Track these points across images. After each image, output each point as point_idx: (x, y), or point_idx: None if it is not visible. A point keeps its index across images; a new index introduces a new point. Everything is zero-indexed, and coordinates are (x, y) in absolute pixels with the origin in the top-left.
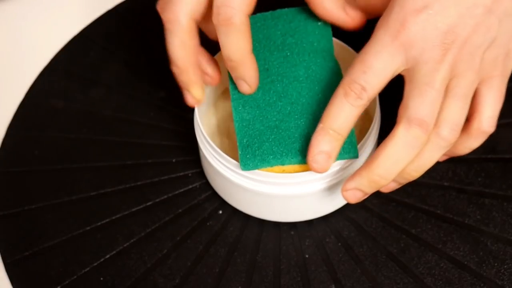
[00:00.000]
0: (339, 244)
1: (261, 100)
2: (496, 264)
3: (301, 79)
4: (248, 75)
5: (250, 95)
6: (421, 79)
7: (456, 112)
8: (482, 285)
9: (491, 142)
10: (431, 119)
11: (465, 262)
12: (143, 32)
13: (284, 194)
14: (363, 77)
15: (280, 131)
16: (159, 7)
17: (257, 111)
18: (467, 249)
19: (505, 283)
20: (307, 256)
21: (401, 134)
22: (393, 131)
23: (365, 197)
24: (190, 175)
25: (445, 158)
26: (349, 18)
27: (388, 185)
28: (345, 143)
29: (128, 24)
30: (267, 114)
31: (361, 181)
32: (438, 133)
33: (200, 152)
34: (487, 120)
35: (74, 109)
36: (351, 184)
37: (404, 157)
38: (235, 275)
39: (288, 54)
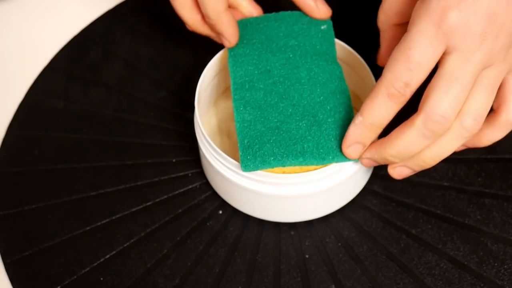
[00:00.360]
0: (339, 244)
1: (262, 101)
2: (496, 264)
3: (303, 81)
4: (226, 32)
5: (251, 96)
6: (451, 71)
7: (482, 102)
8: (482, 285)
9: None
10: (452, 115)
11: (465, 262)
12: (143, 32)
13: (284, 194)
14: (409, 75)
15: (281, 132)
16: None
17: (259, 112)
18: (467, 249)
19: (505, 283)
20: (307, 256)
21: (418, 125)
22: (413, 117)
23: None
24: (190, 175)
25: (463, 148)
26: (316, 8)
27: (403, 172)
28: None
29: (128, 24)
30: (268, 115)
31: (375, 156)
32: (461, 123)
33: (200, 152)
34: None
35: (74, 109)
36: (366, 154)
37: (418, 145)
38: (235, 275)
39: (291, 56)
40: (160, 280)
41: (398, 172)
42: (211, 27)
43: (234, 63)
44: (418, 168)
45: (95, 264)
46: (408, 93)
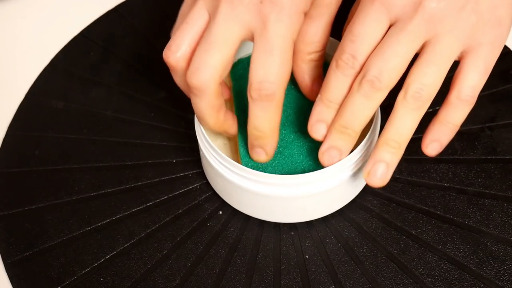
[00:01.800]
0: (339, 244)
1: None
2: (496, 265)
3: (304, 109)
4: (270, 147)
5: None
6: (389, 40)
7: (427, 74)
8: (482, 285)
9: (491, 142)
10: (387, 77)
11: (465, 263)
12: (143, 32)
13: (284, 195)
14: (352, 46)
15: (284, 156)
16: (171, 59)
17: None
18: (467, 249)
19: (505, 284)
20: (307, 256)
21: (356, 87)
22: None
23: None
24: (190, 175)
25: (438, 148)
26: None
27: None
28: None
29: (128, 24)
30: None
31: (330, 135)
32: (405, 94)
33: (201, 152)
34: (466, 89)
35: (74, 109)
36: (326, 140)
37: (363, 109)
38: (235, 275)
39: (292, 86)
40: (160, 281)
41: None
42: (255, 138)
43: (238, 93)
44: (391, 149)
45: (95, 264)
46: (357, 66)
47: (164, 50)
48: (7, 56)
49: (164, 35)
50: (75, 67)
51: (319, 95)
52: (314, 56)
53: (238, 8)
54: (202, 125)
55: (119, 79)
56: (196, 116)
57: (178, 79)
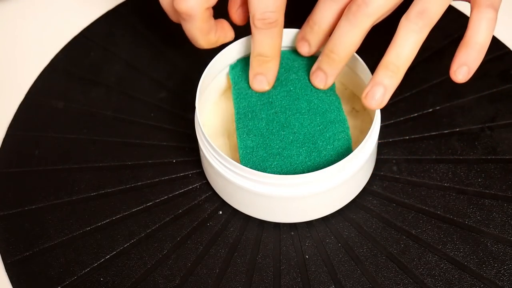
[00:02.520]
0: (339, 244)
1: (265, 129)
2: (496, 265)
3: (303, 111)
4: (273, 72)
5: (254, 125)
6: None
7: None
8: (482, 286)
9: (491, 142)
10: (372, 2)
11: (465, 263)
12: (143, 32)
13: (284, 195)
14: None
15: (283, 158)
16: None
17: (261, 139)
18: (467, 250)
19: (505, 284)
20: (307, 256)
21: (344, 13)
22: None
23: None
24: (190, 175)
25: (467, 62)
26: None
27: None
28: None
29: (128, 24)
30: (270, 142)
31: (321, 61)
32: (408, 15)
33: (201, 152)
34: None
35: (74, 109)
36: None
37: (345, 32)
38: (235, 275)
39: (291, 89)
40: (160, 281)
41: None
42: (260, 63)
43: (237, 95)
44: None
45: (95, 264)
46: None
47: None
48: (7, 56)
49: (164, 35)
50: (75, 67)
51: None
52: None
53: None
54: (195, 45)
55: (119, 79)
56: (188, 38)
57: (165, 4)
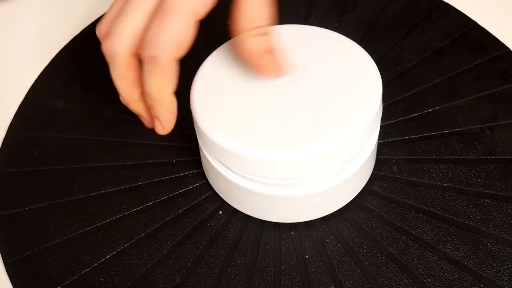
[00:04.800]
0: (339, 244)
1: None
2: (496, 265)
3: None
4: (163, 117)
5: None
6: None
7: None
8: (482, 285)
9: (491, 142)
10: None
11: (465, 263)
12: None
13: (285, 195)
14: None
15: None
16: (99, 33)
17: None
18: (467, 249)
19: (505, 283)
20: (307, 256)
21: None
22: None
23: None
24: (190, 175)
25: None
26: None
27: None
28: None
29: None
30: None
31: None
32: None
33: (201, 152)
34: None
35: (74, 109)
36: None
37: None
38: (235, 275)
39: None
40: (160, 281)
41: None
42: (149, 107)
43: None
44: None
45: (95, 264)
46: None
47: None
48: (7, 56)
49: None
50: (75, 67)
51: None
52: None
53: None
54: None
55: None
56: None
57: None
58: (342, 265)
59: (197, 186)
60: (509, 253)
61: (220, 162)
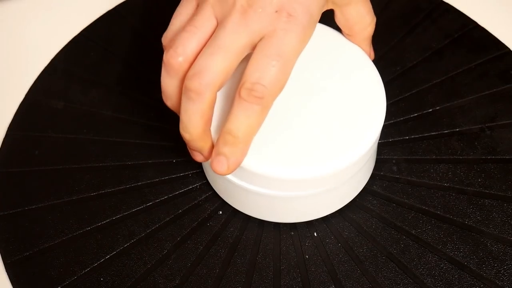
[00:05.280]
0: (339, 244)
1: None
2: (496, 265)
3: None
4: (235, 158)
5: None
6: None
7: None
8: (482, 286)
9: (491, 142)
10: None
11: (465, 263)
12: (143, 32)
13: (285, 195)
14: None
15: None
16: (164, 42)
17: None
18: (467, 249)
19: (505, 284)
20: (307, 256)
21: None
22: None
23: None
24: (190, 175)
25: None
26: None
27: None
28: None
29: (128, 24)
30: None
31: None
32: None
33: None
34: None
35: (74, 110)
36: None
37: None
38: (235, 275)
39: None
40: (160, 281)
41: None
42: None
43: None
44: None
45: (95, 264)
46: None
47: (168, 51)
48: (7, 56)
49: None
50: (75, 67)
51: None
52: None
53: (250, 17)
54: (182, 134)
55: (119, 79)
56: (181, 123)
57: (169, 82)
58: (342, 265)
59: (197, 186)
60: (509, 253)
61: None
